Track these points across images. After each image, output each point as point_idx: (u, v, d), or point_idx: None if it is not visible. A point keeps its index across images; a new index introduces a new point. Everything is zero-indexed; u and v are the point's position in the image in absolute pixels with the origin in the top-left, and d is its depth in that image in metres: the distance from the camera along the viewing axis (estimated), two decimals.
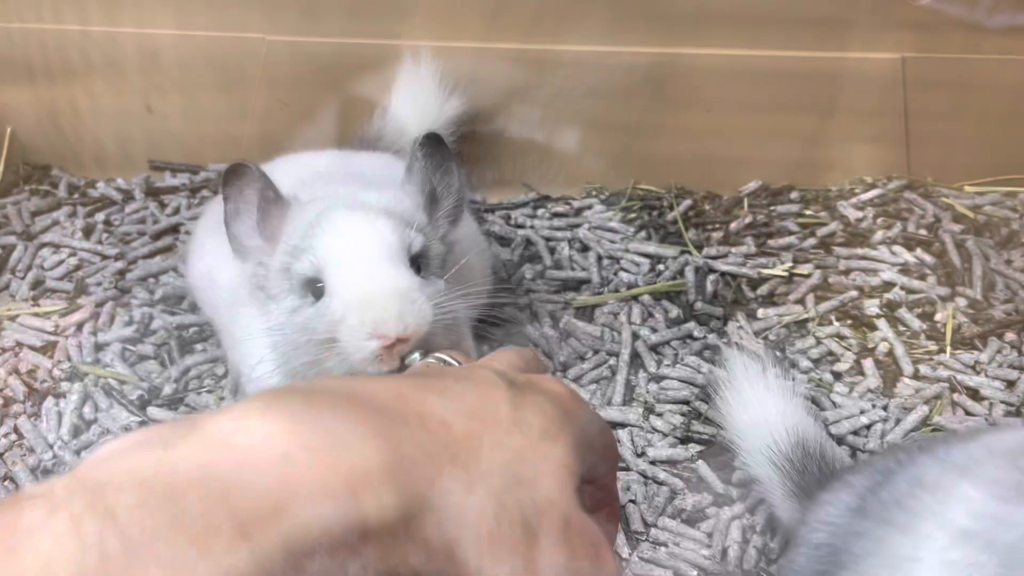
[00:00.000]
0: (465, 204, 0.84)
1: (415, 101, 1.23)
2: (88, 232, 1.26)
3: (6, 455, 0.96)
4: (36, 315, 1.12)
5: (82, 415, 0.99)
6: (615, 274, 1.19)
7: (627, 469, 0.94)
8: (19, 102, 1.35)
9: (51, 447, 0.96)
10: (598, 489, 0.48)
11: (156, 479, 0.33)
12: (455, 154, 0.84)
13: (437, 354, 0.58)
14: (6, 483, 0.93)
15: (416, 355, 0.68)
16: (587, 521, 0.41)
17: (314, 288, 0.76)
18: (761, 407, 0.89)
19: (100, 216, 1.28)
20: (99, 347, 1.08)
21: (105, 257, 1.21)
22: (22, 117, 1.36)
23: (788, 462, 0.83)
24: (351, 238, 0.75)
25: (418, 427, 0.38)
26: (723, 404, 0.93)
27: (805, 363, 1.04)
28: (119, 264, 1.20)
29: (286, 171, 0.95)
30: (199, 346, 1.08)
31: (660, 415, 0.99)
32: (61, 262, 1.20)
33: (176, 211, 1.30)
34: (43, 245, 1.23)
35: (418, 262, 0.77)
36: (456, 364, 0.58)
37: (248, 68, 1.29)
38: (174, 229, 1.27)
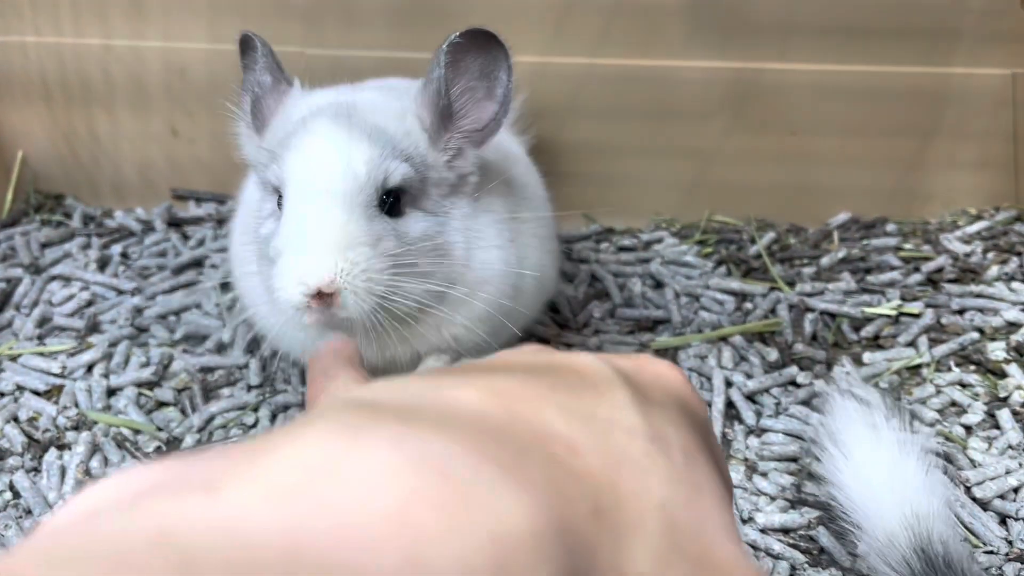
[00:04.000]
0: (502, 122, 0.74)
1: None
2: (103, 265, 1.13)
3: None
4: (41, 355, 0.98)
5: (89, 470, 0.85)
6: (695, 313, 1.05)
7: None
8: (32, 124, 1.23)
9: (51, 508, 0.82)
10: None
11: (211, 556, 0.20)
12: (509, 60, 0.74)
13: None
14: None
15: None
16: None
17: (279, 200, 0.70)
18: (875, 480, 0.74)
19: (117, 248, 1.16)
20: (111, 392, 0.94)
21: (121, 292, 1.09)
22: (35, 141, 1.24)
23: (907, 568, 0.68)
24: (315, 163, 0.67)
25: (547, 460, 0.27)
26: (830, 465, 0.78)
27: (930, 414, 0.89)
28: (136, 300, 1.07)
29: None
30: (225, 391, 0.95)
31: (765, 475, 0.85)
32: (72, 297, 1.07)
33: (200, 243, 1.18)
34: (52, 278, 1.11)
35: (398, 195, 0.69)
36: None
37: None
38: (198, 263, 1.14)
